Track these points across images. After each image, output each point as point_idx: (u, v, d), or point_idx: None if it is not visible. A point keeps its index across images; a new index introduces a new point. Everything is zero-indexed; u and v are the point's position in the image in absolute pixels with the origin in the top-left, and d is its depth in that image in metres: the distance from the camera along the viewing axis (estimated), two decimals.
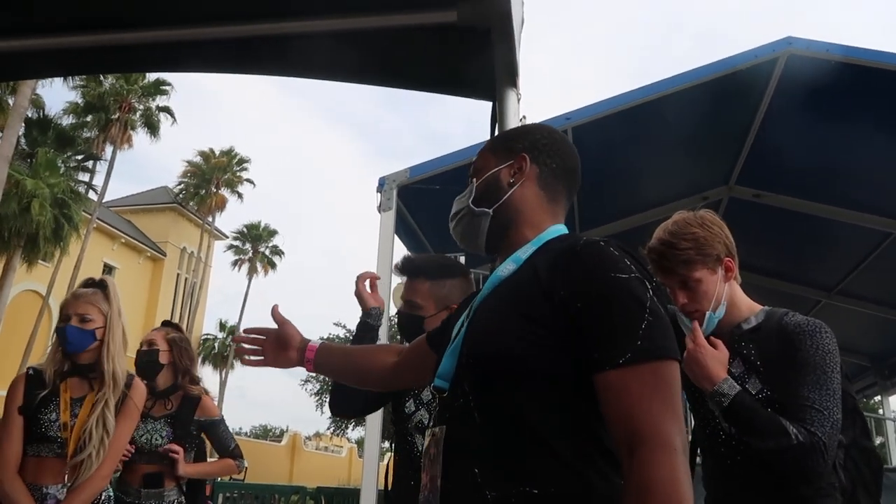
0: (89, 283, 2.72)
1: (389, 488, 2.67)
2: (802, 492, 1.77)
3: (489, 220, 1.33)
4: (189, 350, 3.52)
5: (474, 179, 1.37)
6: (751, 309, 1.98)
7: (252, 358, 1.68)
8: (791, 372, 1.77)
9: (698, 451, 2.03)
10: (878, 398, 9.81)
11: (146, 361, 3.33)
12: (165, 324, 3.68)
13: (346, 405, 2.45)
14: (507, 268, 1.27)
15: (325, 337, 34.72)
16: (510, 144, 1.38)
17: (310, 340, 1.63)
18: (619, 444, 1.05)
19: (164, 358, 3.35)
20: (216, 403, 3.83)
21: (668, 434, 1.01)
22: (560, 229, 1.33)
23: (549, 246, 1.26)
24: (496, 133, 1.97)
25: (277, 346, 1.64)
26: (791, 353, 1.78)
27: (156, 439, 3.22)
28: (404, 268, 2.44)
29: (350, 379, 1.75)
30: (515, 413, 1.11)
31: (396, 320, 2.47)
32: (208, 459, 3.58)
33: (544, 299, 1.13)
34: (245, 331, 1.70)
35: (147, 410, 3.25)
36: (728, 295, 1.95)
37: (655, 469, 0.98)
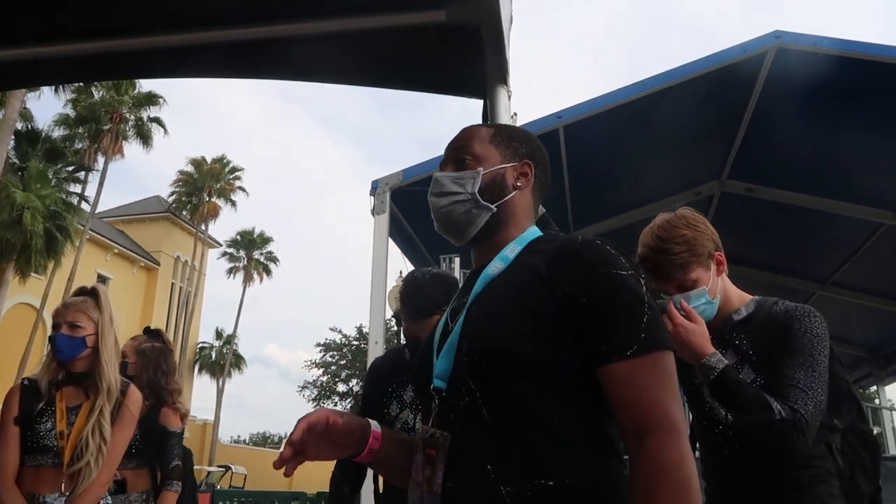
0: (81, 291, 2.73)
1: (381, 491, 2.69)
2: (799, 478, 1.78)
3: (489, 215, 1.34)
4: (163, 361, 3.51)
5: (480, 168, 1.35)
6: (741, 299, 1.99)
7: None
8: (780, 355, 1.78)
9: (696, 444, 2.05)
10: (874, 388, 9.85)
11: None
12: (146, 331, 3.65)
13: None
14: (496, 266, 1.29)
15: (322, 342, 34.69)
16: (514, 146, 1.40)
17: (368, 422, 1.29)
18: (627, 431, 1.10)
19: (130, 370, 3.35)
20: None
21: (676, 419, 1.08)
22: (537, 230, 1.38)
23: (536, 246, 1.30)
24: None
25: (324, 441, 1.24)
26: (781, 338, 1.80)
27: None
28: (417, 311, 2.47)
29: (402, 471, 1.30)
30: (525, 407, 1.14)
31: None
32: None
33: (548, 295, 1.16)
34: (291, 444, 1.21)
35: None
36: (721, 288, 1.97)
37: (667, 453, 1.05)
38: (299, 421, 1.20)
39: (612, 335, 1.12)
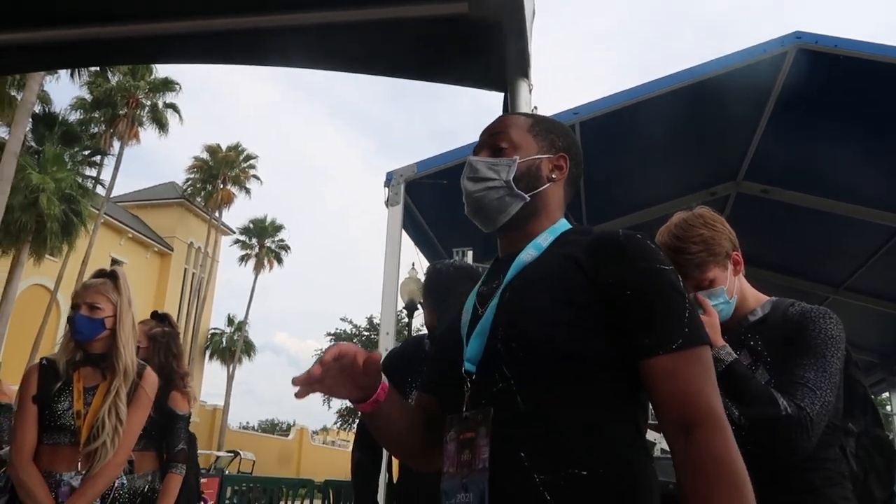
0: (100, 273, 2.75)
1: (395, 481, 2.71)
2: (813, 480, 1.77)
3: (522, 204, 1.34)
4: (173, 345, 3.55)
5: (516, 157, 1.35)
6: (757, 300, 1.98)
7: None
8: (792, 355, 1.77)
9: None
10: (886, 394, 9.78)
11: None
12: (154, 315, 3.68)
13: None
14: (529, 254, 1.29)
15: (332, 332, 34.80)
16: (551, 138, 1.40)
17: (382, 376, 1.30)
18: (672, 424, 1.11)
19: (142, 354, 3.36)
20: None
21: (720, 413, 1.10)
22: (566, 222, 1.38)
23: (568, 237, 1.31)
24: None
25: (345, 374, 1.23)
26: (796, 339, 1.79)
27: None
28: (443, 305, 2.48)
29: (397, 437, 1.40)
30: (561, 396, 1.14)
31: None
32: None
33: (589, 285, 1.17)
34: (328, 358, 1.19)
35: None
36: (738, 288, 1.96)
37: (717, 447, 1.06)
38: (331, 347, 1.20)
39: (657, 329, 1.13)
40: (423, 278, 2.75)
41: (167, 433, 3.33)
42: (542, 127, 1.41)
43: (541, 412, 1.14)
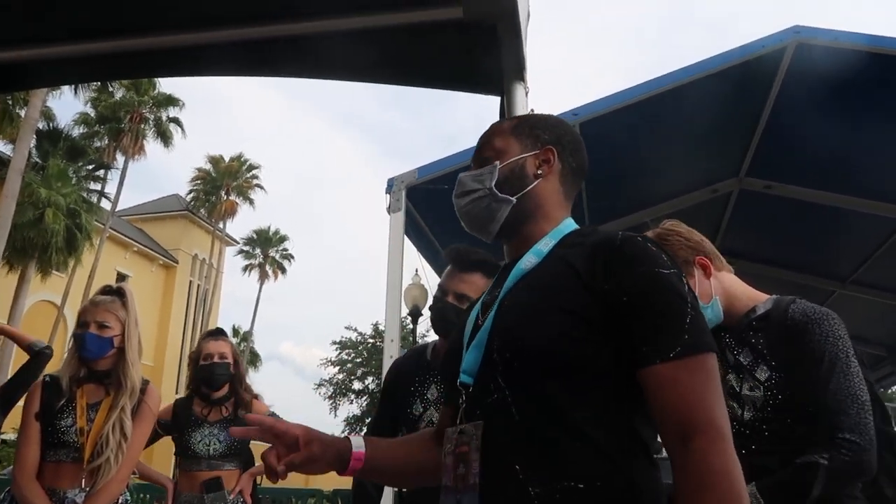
0: (107, 290, 2.75)
1: (403, 490, 2.69)
2: None
3: (510, 208, 1.31)
4: (242, 360, 3.70)
5: (497, 162, 1.33)
6: (753, 298, 1.96)
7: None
8: (806, 363, 1.74)
9: None
10: (895, 388, 9.73)
11: (219, 374, 3.46)
12: (220, 332, 3.73)
13: None
14: (529, 260, 1.26)
15: (337, 340, 34.71)
16: (536, 133, 1.36)
17: (350, 444, 1.31)
18: (670, 435, 1.06)
19: (232, 370, 3.53)
20: None
21: (721, 423, 1.04)
22: (572, 223, 1.34)
23: (570, 240, 1.27)
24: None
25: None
26: (800, 343, 1.76)
27: (214, 444, 3.35)
28: (460, 260, 2.45)
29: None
30: (557, 408, 1.10)
31: (433, 313, 2.48)
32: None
33: (585, 292, 1.13)
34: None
35: (204, 417, 3.42)
36: (719, 289, 1.95)
37: (714, 458, 1.01)
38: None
39: (655, 336, 1.08)
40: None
41: None
42: (527, 125, 1.38)
43: (536, 423, 1.10)
